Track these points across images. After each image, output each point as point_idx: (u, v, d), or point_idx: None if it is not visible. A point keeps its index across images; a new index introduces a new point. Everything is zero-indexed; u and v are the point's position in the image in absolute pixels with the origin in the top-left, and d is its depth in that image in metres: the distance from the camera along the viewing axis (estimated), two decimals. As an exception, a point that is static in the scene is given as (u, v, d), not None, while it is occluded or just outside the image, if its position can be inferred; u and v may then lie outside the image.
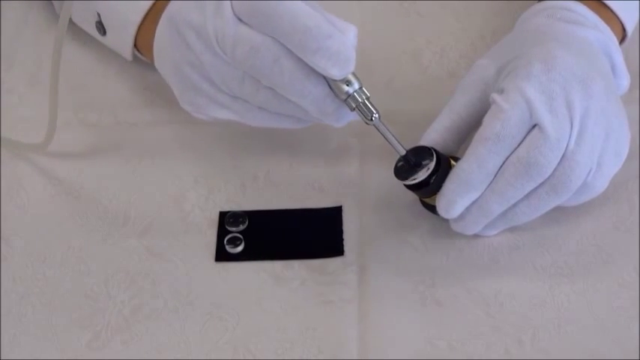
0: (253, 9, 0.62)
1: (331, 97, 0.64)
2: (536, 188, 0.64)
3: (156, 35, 0.69)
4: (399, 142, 0.65)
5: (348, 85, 0.63)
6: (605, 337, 0.63)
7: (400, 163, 0.66)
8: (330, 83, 0.64)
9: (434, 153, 0.65)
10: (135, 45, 0.74)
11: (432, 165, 0.65)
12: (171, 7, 0.68)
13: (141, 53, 0.75)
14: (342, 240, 0.69)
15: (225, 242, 0.69)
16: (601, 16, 0.70)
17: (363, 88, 0.64)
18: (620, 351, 0.63)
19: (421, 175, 0.65)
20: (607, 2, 0.71)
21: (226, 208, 0.71)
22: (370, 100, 0.64)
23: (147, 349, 0.64)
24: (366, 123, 0.64)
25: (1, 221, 0.71)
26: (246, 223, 0.70)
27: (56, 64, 0.68)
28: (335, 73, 0.63)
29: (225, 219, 0.70)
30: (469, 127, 0.68)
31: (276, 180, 0.73)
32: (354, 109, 0.64)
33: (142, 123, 0.76)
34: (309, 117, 0.66)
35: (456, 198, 0.64)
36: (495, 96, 0.64)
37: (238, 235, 0.69)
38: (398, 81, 0.79)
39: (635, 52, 0.77)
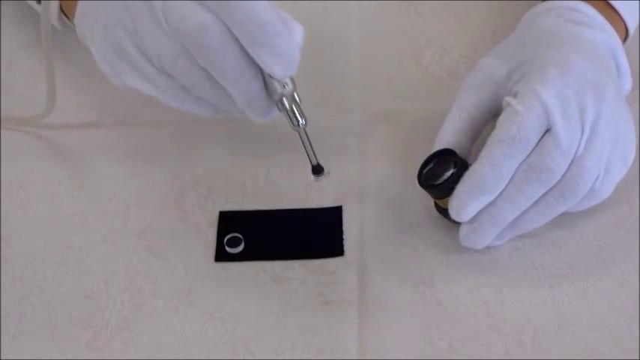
0: None
1: (263, 92, 0.63)
2: (544, 194, 0.64)
3: None
4: (314, 155, 0.65)
5: (283, 86, 0.63)
6: (605, 337, 0.63)
7: (426, 169, 0.67)
8: (265, 79, 0.63)
9: (455, 157, 0.66)
10: (62, 10, 0.73)
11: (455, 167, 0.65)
12: None
13: (68, 18, 0.74)
14: (342, 240, 0.69)
15: (225, 242, 0.69)
16: (605, 17, 0.70)
17: (295, 93, 0.64)
18: (620, 351, 0.63)
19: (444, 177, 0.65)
20: (612, 2, 0.71)
21: (226, 208, 0.71)
22: (300, 106, 0.64)
23: (147, 349, 0.64)
24: (291, 127, 0.64)
25: (1, 221, 0.71)
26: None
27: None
28: (277, 71, 0.62)
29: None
30: (480, 127, 0.68)
31: (276, 180, 0.73)
32: (281, 110, 0.64)
33: (142, 123, 0.76)
34: (233, 108, 0.65)
35: (468, 200, 0.64)
36: (510, 99, 0.64)
37: (238, 235, 0.69)
38: (398, 81, 0.79)
39: (635, 52, 0.77)
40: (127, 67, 0.65)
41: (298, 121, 0.63)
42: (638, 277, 0.66)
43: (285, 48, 0.62)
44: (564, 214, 0.67)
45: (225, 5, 0.61)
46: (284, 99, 0.63)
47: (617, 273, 0.66)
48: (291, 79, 0.63)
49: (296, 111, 0.63)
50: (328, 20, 0.83)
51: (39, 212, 0.71)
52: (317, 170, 0.66)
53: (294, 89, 0.63)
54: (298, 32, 0.64)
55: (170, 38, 0.62)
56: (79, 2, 0.68)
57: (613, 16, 0.71)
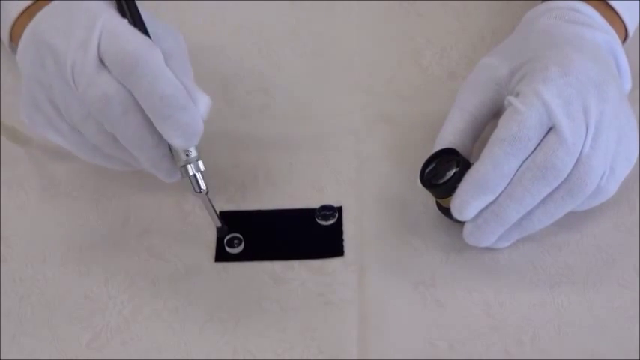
0: (118, 58, 0.62)
1: (168, 157, 0.65)
2: (551, 193, 0.64)
3: (21, 40, 0.68)
4: (218, 218, 0.68)
5: (187, 154, 0.65)
6: (605, 337, 0.63)
7: (428, 169, 0.67)
8: (170, 146, 0.65)
9: (457, 156, 0.66)
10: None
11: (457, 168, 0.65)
12: (38, 23, 0.66)
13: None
14: (342, 240, 0.69)
15: (225, 242, 0.69)
16: (605, 17, 0.70)
17: (200, 162, 0.65)
18: (620, 351, 0.63)
19: (446, 177, 0.65)
20: (611, 3, 0.71)
21: (226, 208, 0.71)
22: (203, 174, 0.65)
23: (147, 349, 0.64)
24: (192, 193, 0.66)
25: (1, 221, 0.71)
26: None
27: None
28: (178, 143, 0.64)
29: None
30: (482, 127, 0.68)
31: (276, 180, 0.73)
32: (184, 176, 0.66)
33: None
34: (141, 167, 0.67)
35: (469, 199, 0.64)
36: (511, 98, 0.64)
37: (238, 235, 0.69)
38: (398, 81, 0.79)
39: (635, 53, 0.77)
40: (42, 120, 0.67)
41: (200, 189, 0.65)
42: (637, 277, 0.66)
43: (188, 121, 0.63)
44: (564, 214, 0.67)
45: (130, 75, 0.62)
46: (187, 166, 0.65)
47: (616, 273, 0.66)
48: (195, 147, 0.65)
49: (199, 178, 0.65)
50: (328, 20, 0.83)
51: (39, 212, 0.71)
52: (221, 232, 0.69)
53: (198, 157, 0.65)
54: (203, 104, 0.65)
55: (79, 100, 0.64)
56: (19, 45, 0.68)
57: (613, 16, 0.71)
